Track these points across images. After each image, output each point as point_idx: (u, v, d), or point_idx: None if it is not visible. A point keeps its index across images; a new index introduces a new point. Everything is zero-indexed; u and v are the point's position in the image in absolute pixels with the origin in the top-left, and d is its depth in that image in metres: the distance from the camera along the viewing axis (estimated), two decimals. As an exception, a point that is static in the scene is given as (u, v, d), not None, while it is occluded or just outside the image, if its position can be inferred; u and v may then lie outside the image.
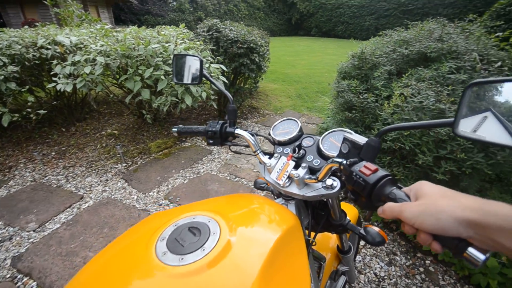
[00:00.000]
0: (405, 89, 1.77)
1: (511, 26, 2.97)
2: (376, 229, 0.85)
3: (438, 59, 1.91)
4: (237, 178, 2.97)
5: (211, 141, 0.91)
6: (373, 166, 0.52)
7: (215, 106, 3.44)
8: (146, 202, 2.55)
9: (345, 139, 0.66)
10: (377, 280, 1.83)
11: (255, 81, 4.75)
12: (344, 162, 0.59)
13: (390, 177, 0.51)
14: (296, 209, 0.82)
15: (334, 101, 2.60)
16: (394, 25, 6.32)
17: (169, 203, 2.54)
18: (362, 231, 0.86)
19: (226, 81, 3.35)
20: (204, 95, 3.07)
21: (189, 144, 3.76)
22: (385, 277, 1.85)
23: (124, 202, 2.55)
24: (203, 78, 1.02)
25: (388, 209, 0.44)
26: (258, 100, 5.63)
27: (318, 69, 8.54)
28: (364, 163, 0.55)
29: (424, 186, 0.42)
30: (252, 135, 0.88)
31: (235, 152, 1.00)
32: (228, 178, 2.98)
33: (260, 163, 0.87)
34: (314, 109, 5.12)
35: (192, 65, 1.01)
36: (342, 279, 1.25)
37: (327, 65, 9.12)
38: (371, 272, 1.89)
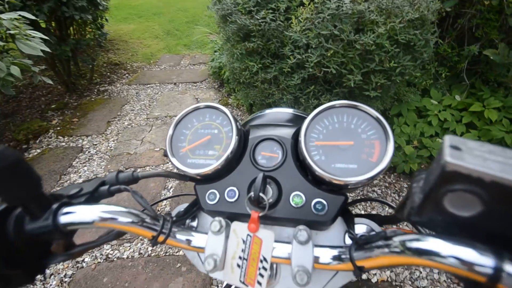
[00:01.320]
0: (311, -6, 1.36)
1: None
2: None
3: None
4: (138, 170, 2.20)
5: None
6: None
7: (50, 82, 2.19)
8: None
9: (468, 180, 0.20)
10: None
11: (97, 25, 3.31)
12: None
13: None
14: None
15: (222, 30, 1.97)
16: None
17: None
18: None
19: (47, 37, 2.05)
20: (16, 70, 1.81)
21: (38, 151, 2.48)
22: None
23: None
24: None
25: None
26: (117, 52, 4.19)
27: (175, -8, 6.96)
28: None
29: None
30: (119, 191, 0.40)
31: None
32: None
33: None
34: (194, 46, 4.26)
35: None
36: None
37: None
38: None
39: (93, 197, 0.38)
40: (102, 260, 1.60)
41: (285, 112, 0.64)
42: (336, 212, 0.36)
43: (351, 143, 0.37)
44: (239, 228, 0.37)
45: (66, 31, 3.00)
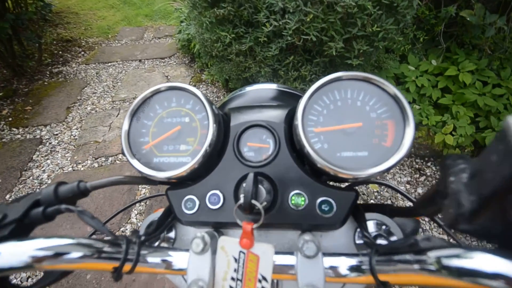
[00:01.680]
0: None
1: None
2: None
3: None
4: (109, 160, 2.04)
5: None
6: None
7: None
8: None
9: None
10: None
11: (38, -5, 2.83)
12: None
13: None
14: None
15: (186, -4, 1.74)
16: None
17: None
18: None
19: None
20: None
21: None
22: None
23: None
24: None
25: None
26: (68, 27, 3.68)
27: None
28: None
29: None
30: (60, 213, 0.31)
31: None
32: (96, 165, 2.00)
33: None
34: (156, 16, 3.84)
35: None
36: None
37: None
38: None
39: (22, 226, 0.28)
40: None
41: (269, 88, 0.54)
42: (346, 212, 0.30)
43: (359, 124, 0.30)
44: (229, 245, 0.30)
45: (3, 6, 2.52)
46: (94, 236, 0.37)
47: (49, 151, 2.14)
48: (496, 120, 1.73)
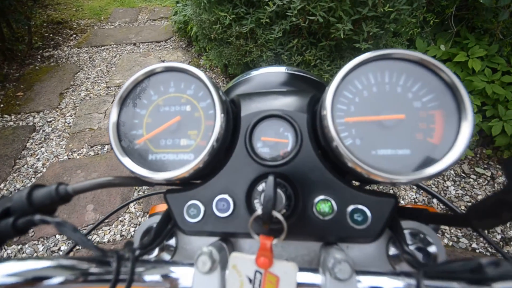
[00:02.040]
0: None
1: None
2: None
3: None
4: (105, 149, 1.98)
5: None
6: None
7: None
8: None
9: None
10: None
11: (24, -28, 2.65)
12: None
13: None
14: None
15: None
16: None
17: None
18: None
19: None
20: None
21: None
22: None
23: None
24: None
25: None
26: (58, 8, 3.50)
27: None
28: None
29: None
30: (34, 225, 0.25)
31: None
32: (92, 154, 1.94)
33: None
34: (151, -4, 3.66)
35: None
36: None
37: None
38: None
39: None
40: (81, 247, 1.48)
41: (280, 72, 0.48)
42: (384, 223, 0.25)
43: (401, 116, 0.25)
44: (242, 263, 0.25)
45: None
46: (78, 252, 0.32)
47: (43, 139, 2.07)
48: (503, 109, 1.68)
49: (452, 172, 1.76)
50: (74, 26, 3.26)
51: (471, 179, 1.72)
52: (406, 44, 1.78)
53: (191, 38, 2.71)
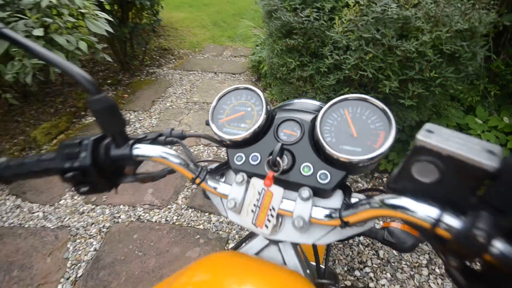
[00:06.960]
0: (358, -4, 1.38)
1: None
2: (398, 225, 0.60)
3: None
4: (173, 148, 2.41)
5: (84, 189, 0.45)
6: None
7: (109, 59, 2.47)
8: (61, 216, 1.87)
9: (430, 153, 0.27)
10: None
11: (153, 11, 3.60)
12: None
13: None
14: (293, 253, 0.50)
15: (266, 25, 2.06)
16: None
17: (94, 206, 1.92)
18: (386, 235, 0.60)
19: (111, 19, 2.33)
20: (83, 45, 2.10)
21: (93, 119, 2.82)
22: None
23: (25, 226, 1.80)
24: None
25: None
26: (168, 38, 4.51)
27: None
28: None
29: None
30: (172, 143, 0.52)
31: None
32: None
33: (207, 197, 0.57)
34: (237, 38, 4.41)
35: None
36: None
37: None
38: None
39: (154, 142, 0.50)
40: (134, 220, 1.82)
41: (310, 102, 0.71)
42: (336, 182, 0.43)
43: (355, 135, 0.44)
44: (257, 183, 0.46)
45: (126, 15, 3.32)
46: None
47: (132, 131, 2.65)
48: None
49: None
50: (175, 53, 4.14)
51: None
52: (463, 110, 1.79)
53: (261, 74, 3.17)
